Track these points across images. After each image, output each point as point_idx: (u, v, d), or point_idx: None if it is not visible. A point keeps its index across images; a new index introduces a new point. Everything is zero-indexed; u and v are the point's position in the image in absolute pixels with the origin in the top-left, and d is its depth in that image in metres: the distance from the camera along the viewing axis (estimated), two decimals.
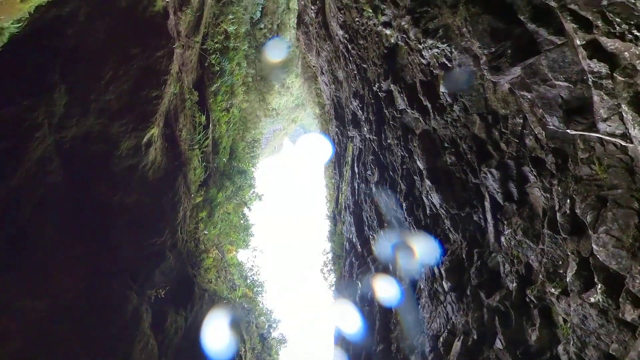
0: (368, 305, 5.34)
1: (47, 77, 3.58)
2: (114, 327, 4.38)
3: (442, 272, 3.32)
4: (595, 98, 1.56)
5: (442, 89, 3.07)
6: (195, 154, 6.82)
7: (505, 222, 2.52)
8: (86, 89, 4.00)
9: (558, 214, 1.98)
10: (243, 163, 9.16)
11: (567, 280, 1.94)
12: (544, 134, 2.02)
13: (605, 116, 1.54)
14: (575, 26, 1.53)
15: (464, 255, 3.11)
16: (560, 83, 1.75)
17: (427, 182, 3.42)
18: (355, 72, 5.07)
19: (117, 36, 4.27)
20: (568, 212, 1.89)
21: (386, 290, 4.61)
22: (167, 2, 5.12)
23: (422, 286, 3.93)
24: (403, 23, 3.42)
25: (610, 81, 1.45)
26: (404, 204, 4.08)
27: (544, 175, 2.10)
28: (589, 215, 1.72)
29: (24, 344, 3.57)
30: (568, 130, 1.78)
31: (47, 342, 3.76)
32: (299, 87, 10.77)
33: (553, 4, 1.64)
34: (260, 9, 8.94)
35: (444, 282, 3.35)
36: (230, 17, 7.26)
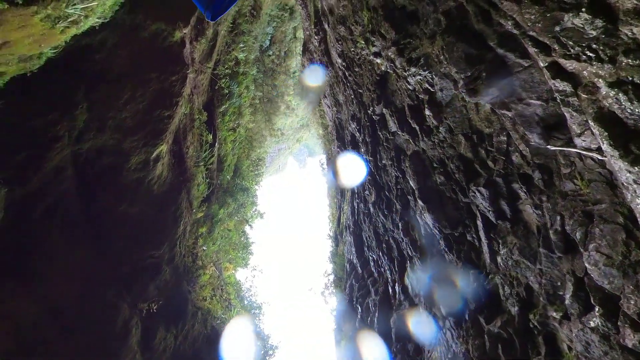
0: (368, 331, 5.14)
1: (73, 95, 4.04)
2: (102, 339, 4.36)
3: None
4: (566, 115, 1.61)
5: (427, 112, 3.23)
6: (200, 170, 7.11)
7: (500, 241, 2.44)
8: (105, 108, 4.44)
9: (550, 232, 1.92)
10: (247, 181, 9.41)
11: (566, 303, 1.83)
12: (528, 150, 2.04)
13: (579, 131, 1.56)
14: (536, 50, 1.64)
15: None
16: (534, 101, 1.83)
17: (420, 202, 3.45)
18: (352, 96, 5.39)
19: (138, 62, 4.79)
20: (559, 229, 1.83)
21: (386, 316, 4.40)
22: (185, 33, 5.72)
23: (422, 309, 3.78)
24: (390, 53, 3.71)
25: (575, 98, 1.49)
26: (400, 224, 4.05)
27: (533, 191, 2.07)
28: (577, 232, 1.67)
29: (11, 346, 3.61)
30: (548, 146, 1.81)
31: (33, 346, 3.74)
32: (303, 109, 11.32)
33: (515, 31, 1.78)
34: (269, 38, 9.77)
35: (441, 307, 3.23)
36: (241, 45, 7.92)
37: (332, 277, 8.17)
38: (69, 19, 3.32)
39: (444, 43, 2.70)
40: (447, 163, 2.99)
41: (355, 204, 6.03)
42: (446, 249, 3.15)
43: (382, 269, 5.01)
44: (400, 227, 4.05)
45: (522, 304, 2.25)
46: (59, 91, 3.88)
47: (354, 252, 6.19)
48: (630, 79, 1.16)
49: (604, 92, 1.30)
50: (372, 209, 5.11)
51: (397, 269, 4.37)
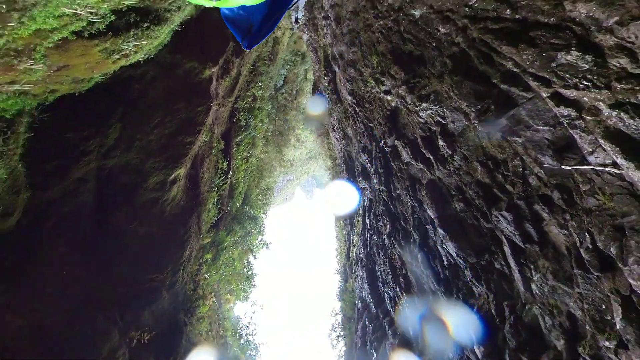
0: None
1: (109, 116, 4.45)
2: None
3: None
4: (575, 136, 1.71)
5: (440, 142, 3.36)
6: (212, 196, 7.26)
7: (532, 266, 2.30)
8: (136, 130, 4.82)
9: (581, 250, 1.84)
10: (255, 209, 9.47)
11: (617, 327, 1.64)
12: (543, 172, 2.08)
13: (590, 150, 1.63)
14: (537, 84, 1.85)
15: (493, 311, 2.71)
16: (542, 127, 1.97)
17: (440, 231, 3.34)
18: (363, 130, 5.71)
19: (171, 93, 5.33)
20: (590, 246, 1.76)
21: None
22: (213, 72, 6.44)
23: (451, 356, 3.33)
24: (400, 91, 3.99)
25: (581, 121, 1.62)
26: (419, 256, 3.85)
27: (555, 211, 2.04)
28: (612, 247, 1.60)
29: None
30: (563, 167, 1.86)
31: None
32: (312, 142, 11.96)
33: (516, 69, 2.03)
34: (283, 78, 10.93)
35: (475, 348, 2.88)
36: (259, 84, 8.76)
37: (340, 317, 7.53)
38: (122, 53, 3.85)
39: (452, 81, 2.97)
40: (465, 190, 3.01)
41: (368, 236, 5.85)
42: (473, 280, 2.95)
43: (401, 307, 4.61)
44: (419, 259, 3.85)
45: (567, 336, 2.02)
46: (98, 111, 4.30)
47: (366, 289, 5.80)
48: (627, 100, 1.36)
49: (607, 114, 1.48)
50: (387, 241, 4.93)
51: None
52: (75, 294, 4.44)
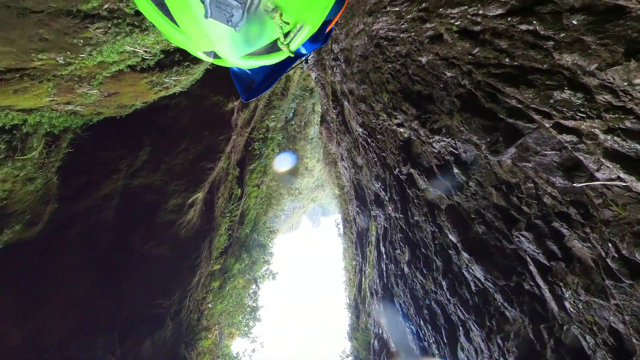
0: None
1: (142, 139, 4.80)
2: None
3: None
4: (580, 157, 1.92)
5: (455, 170, 3.55)
6: (225, 221, 7.34)
7: (561, 283, 2.26)
8: (163, 153, 5.14)
9: (608, 261, 1.87)
10: (262, 236, 9.44)
11: None
12: (556, 192, 2.22)
13: (596, 168, 1.83)
14: (539, 117, 2.15)
15: (531, 336, 2.59)
16: (549, 152, 2.20)
17: (465, 255, 3.30)
18: (375, 159, 5.85)
19: (197, 122, 5.79)
20: (616, 255, 1.80)
21: None
22: (235, 105, 7.04)
23: None
24: (413, 125, 4.28)
25: (583, 145, 1.86)
26: (443, 283, 3.73)
27: (575, 226, 2.11)
28: (636, 253, 1.65)
29: None
30: (574, 184, 2.02)
31: None
32: (319, 170, 12.35)
33: (519, 105, 2.37)
34: (292, 111, 11.80)
35: None
36: (272, 116, 9.43)
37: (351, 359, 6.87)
38: (164, 85, 4.34)
39: (462, 118, 3.24)
40: (484, 213, 3.12)
41: (384, 266, 5.62)
42: (505, 304, 2.88)
43: (426, 343, 4.28)
44: (444, 287, 3.74)
45: (614, 354, 1.92)
46: (133, 134, 4.67)
47: (383, 324, 5.43)
48: (617, 126, 1.64)
49: (603, 137, 1.74)
50: (406, 269, 4.73)
51: (445, 341, 3.77)
52: (80, 312, 4.29)
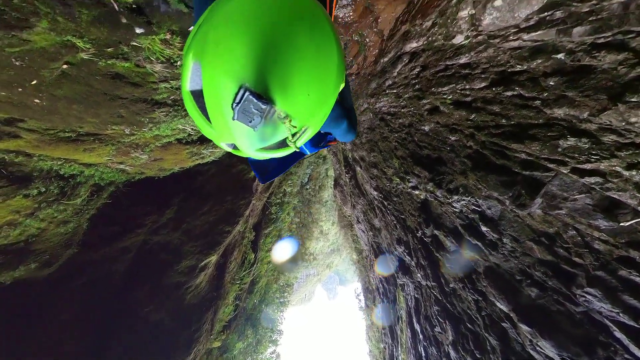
0: None
1: (171, 199, 5.15)
2: None
3: None
4: (614, 196, 1.78)
5: (483, 228, 3.22)
6: (234, 289, 6.91)
7: None
8: (186, 214, 5.39)
9: None
10: (271, 308, 8.58)
11: None
12: (605, 235, 1.95)
13: (636, 202, 1.69)
14: (553, 165, 2.11)
15: None
16: (578, 196, 2.03)
17: (523, 327, 2.68)
18: (395, 222, 5.60)
19: (223, 187, 6.25)
20: None
21: None
22: None
23: None
24: (428, 187, 4.24)
25: (611, 184, 1.77)
26: None
27: None
28: None
29: None
30: (622, 224, 1.81)
31: None
32: (335, 234, 11.98)
33: (530, 158, 2.41)
34: (307, 176, 12.50)
35: None
36: (289, 182, 9.98)
37: None
38: (201, 155, 4.98)
39: (477, 177, 3.20)
40: (531, 272, 2.69)
41: (422, 349, 4.64)
42: None
43: None
44: None
45: None
46: (164, 193, 5.06)
47: None
48: (637, 160, 1.62)
49: (627, 174, 1.70)
50: (453, 353, 3.87)
51: None
52: None
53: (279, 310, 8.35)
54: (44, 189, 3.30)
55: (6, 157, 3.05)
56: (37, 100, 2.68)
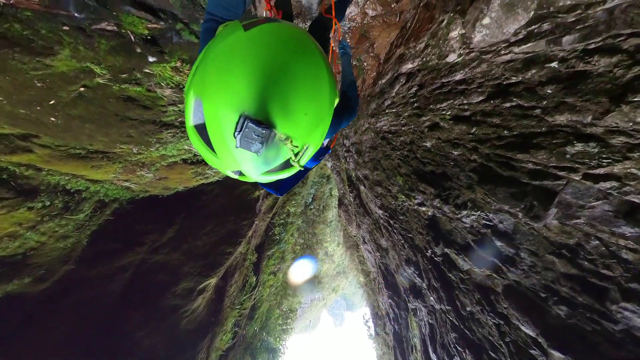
0: None
1: (174, 218, 5.09)
2: None
3: None
4: (634, 199, 1.70)
5: (497, 242, 3.01)
6: (233, 314, 6.57)
7: None
8: (188, 233, 5.29)
9: None
10: (273, 336, 8.04)
11: None
12: (632, 243, 1.83)
13: None
14: (563, 172, 2.08)
15: None
16: (595, 202, 1.92)
17: (556, 355, 2.34)
18: (402, 241, 5.37)
19: (226, 207, 6.21)
20: None
21: None
22: (261, 192, 7.65)
23: None
24: (435, 203, 4.08)
25: (628, 187, 1.69)
26: None
27: None
28: None
29: None
30: None
31: None
32: (340, 255, 11.53)
33: (538, 167, 2.31)
34: (311, 197, 12.38)
35: None
36: (293, 202, 9.90)
37: None
38: (205, 175, 5.02)
39: (485, 190, 3.07)
40: (556, 288, 2.45)
41: None
42: None
43: None
44: None
45: None
46: (167, 212, 5.01)
47: None
48: None
49: None
50: None
51: None
52: None
53: (280, 339, 7.79)
54: (48, 203, 3.34)
55: (17, 170, 3.14)
56: (53, 119, 2.82)
